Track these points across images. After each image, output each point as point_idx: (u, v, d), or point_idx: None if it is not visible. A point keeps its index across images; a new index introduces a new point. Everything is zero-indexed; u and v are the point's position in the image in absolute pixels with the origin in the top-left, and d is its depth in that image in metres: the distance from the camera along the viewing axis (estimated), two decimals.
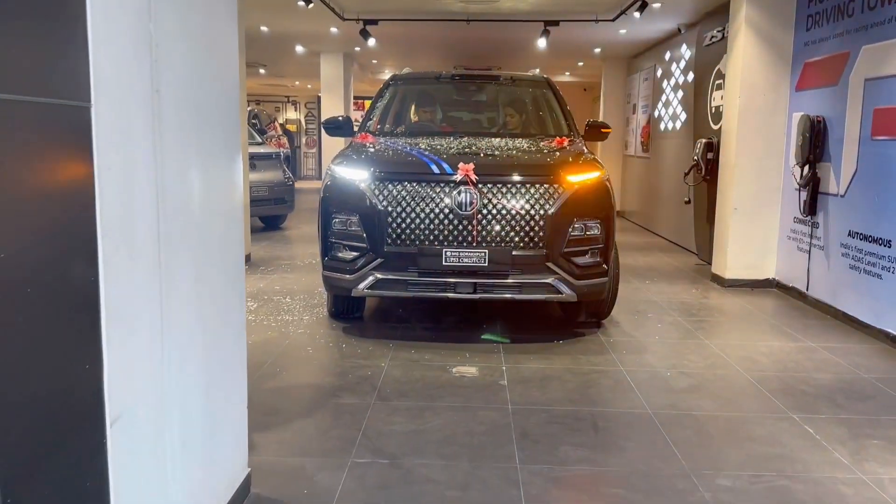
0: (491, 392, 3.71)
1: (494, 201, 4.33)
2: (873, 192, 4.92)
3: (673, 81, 9.63)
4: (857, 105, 5.15)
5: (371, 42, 9.18)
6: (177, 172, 1.96)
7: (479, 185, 4.33)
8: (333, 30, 9.47)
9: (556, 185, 4.41)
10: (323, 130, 5.58)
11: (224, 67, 2.27)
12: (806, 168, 5.71)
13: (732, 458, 3.00)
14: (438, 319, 5.19)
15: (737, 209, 6.40)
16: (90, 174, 1.54)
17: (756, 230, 6.40)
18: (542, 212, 4.35)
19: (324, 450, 3.00)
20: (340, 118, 5.46)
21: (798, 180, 5.85)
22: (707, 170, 7.37)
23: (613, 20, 8.51)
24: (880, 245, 4.80)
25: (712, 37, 7.75)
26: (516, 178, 4.40)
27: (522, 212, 4.34)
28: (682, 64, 9.15)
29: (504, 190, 4.35)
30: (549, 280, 4.37)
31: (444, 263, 4.30)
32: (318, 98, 18.11)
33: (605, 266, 4.58)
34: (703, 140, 7.51)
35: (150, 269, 1.82)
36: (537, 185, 4.39)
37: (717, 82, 7.50)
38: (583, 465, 2.88)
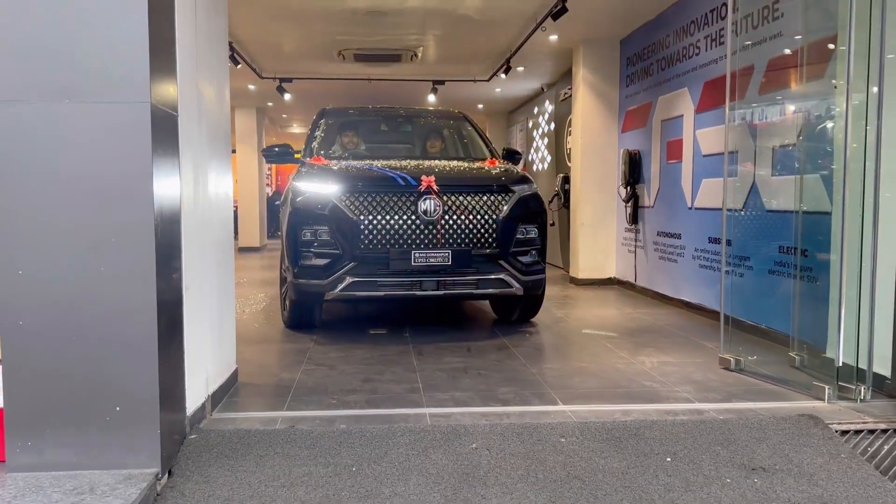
0: (397, 338, 5.14)
1: (454, 208, 4.87)
2: (668, 200, 6.78)
3: (540, 131, 11.58)
4: (658, 139, 7.05)
5: (287, 97, 10.64)
6: (207, 169, 3.34)
7: (441, 195, 4.86)
8: (251, 87, 10.86)
9: (503, 195, 5.04)
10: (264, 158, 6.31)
11: (223, 99, 3.68)
12: (628, 189, 7.57)
13: (555, 358, 4.55)
14: (357, 314, 6.58)
15: (584, 224, 8.19)
16: (177, 161, 2.91)
17: (599, 240, 8.20)
18: (494, 217, 4.94)
19: (282, 365, 4.33)
20: (278, 147, 5.95)
21: (623, 198, 7.71)
22: (565, 199, 9.20)
23: (488, 80, 10.38)
24: (674, 238, 6.63)
25: (565, 93, 9.71)
26: (471, 188, 4.98)
27: (479, 217, 4.91)
28: (546, 116, 11.12)
29: (462, 198, 4.90)
30: (502, 276, 4.96)
31: (412, 264, 4.78)
32: None
33: (542, 264, 5.28)
34: (562, 175, 9.36)
35: (198, 227, 3.16)
36: (489, 195, 4.99)
37: (570, 129, 9.42)
38: (458, 364, 4.35)
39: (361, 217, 4.79)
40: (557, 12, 6.38)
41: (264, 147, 6.01)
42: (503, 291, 5.05)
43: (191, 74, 3.09)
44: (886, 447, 3.09)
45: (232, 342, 3.83)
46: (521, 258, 5.10)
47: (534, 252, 5.21)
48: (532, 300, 5.58)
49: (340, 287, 4.78)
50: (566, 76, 9.68)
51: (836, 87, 3.71)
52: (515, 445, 2.96)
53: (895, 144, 3.45)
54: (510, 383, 3.90)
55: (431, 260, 4.81)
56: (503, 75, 9.34)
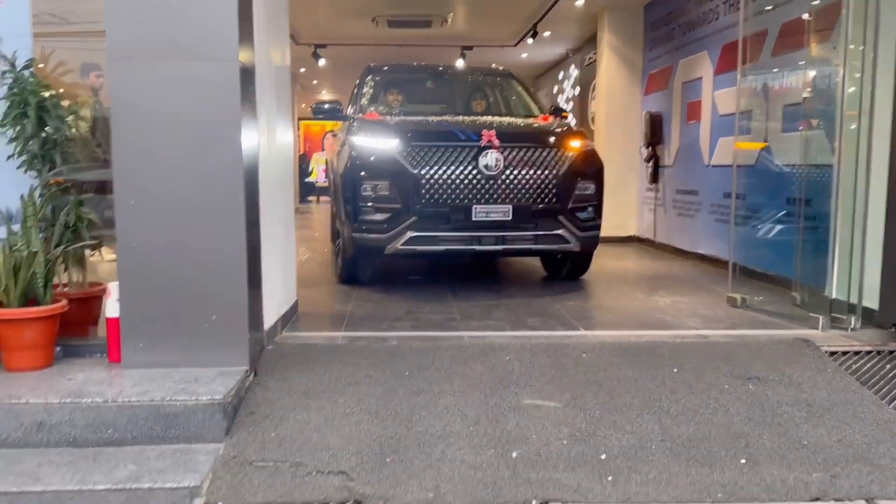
0: (434, 282, 5.65)
1: (515, 163, 4.84)
2: (687, 159, 7.16)
3: (565, 96, 11.91)
4: (678, 101, 7.41)
5: (322, 62, 11.07)
6: (275, 122, 3.82)
7: (501, 149, 4.83)
8: None
9: (562, 150, 5.00)
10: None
11: (285, 62, 4.15)
12: (650, 149, 7.95)
13: (578, 298, 5.03)
14: (393, 265, 7.10)
15: (606, 185, 8.57)
16: (255, 113, 3.39)
17: (621, 199, 8.59)
18: (554, 172, 4.90)
19: (333, 301, 4.87)
20: (328, 104, 5.85)
21: (644, 158, 8.10)
22: None
23: (515, 45, 10.73)
24: (692, 195, 7.02)
25: (590, 58, 10.03)
26: (532, 143, 4.94)
27: (539, 172, 4.87)
28: (571, 81, 11.44)
29: (522, 153, 4.87)
30: (561, 232, 4.95)
31: (473, 219, 4.77)
32: None
33: (598, 220, 5.27)
34: None
35: (269, 171, 3.65)
36: (549, 150, 4.95)
37: (594, 93, 9.76)
38: (490, 301, 4.85)
39: (423, 171, 4.77)
40: None
41: (315, 103, 5.89)
42: (561, 247, 5.05)
43: (264, 40, 3.56)
44: (868, 364, 3.54)
45: (293, 275, 4.36)
46: (578, 214, 5.06)
47: (590, 208, 5.17)
48: (585, 257, 5.56)
49: (401, 242, 4.78)
50: (591, 41, 9.98)
51: (834, 48, 4.09)
52: (543, 359, 3.46)
53: (887, 101, 3.83)
54: (537, 315, 4.39)
55: (492, 215, 4.80)
56: (530, 40, 9.68)
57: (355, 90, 6.44)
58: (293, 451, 2.67)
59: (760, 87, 5.42)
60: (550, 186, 4.91)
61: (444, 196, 4.78)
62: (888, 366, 3.52)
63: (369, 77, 6.35)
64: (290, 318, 4.17)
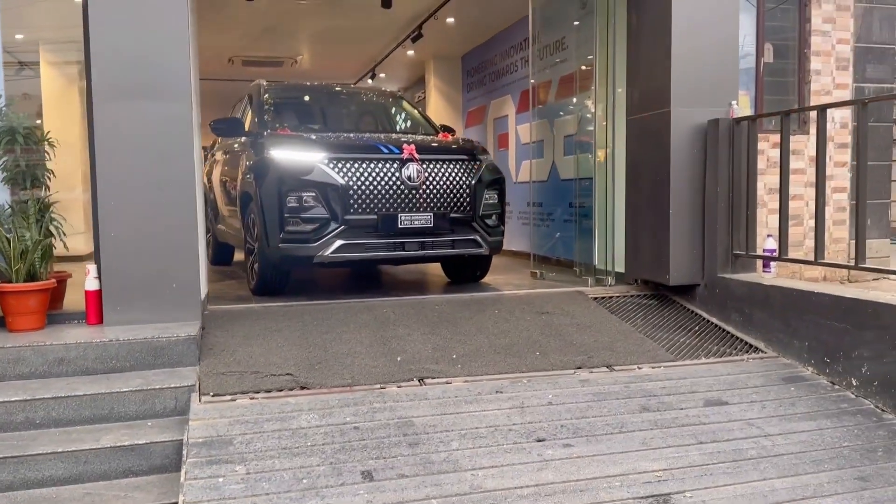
0: (321, 287, 6.96)
1: (434, 174, 5.32)
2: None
3: None
4: (491, 134, 9.33)
5: None
6: (197, 144, 5.03)
7: (422, 162, 5.32)
8: None
9: (473, 163, 5.58)
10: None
11: (198, 105, 5.37)
12: None
13: (427, 282, 6.59)
14: None
15: None
16: (191, 143, 4.61)
17: None
18: (468, 182, 5.46)
19: (235, 291, 6.04)
20: (228, 120, 5.94)
21: None
22: None
23: (355, 84, 12.28)
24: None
25: (419, 97, 11.82)
26: (447, 156, 5.46)
27: (456, 183, 5.40)
28: None
29: (440, 165, 5.37)
30: (476, 237, 5.52)
31: (399, 227, 5.19)
32: None
33: (503, 227, 5.88)
34: None
35: (196, 181, 4.86)
36: (462, 162, 5.50)
37: None
38: (365, 283, 6.27)
39: (350, 182, 5.09)
40: (415, 37, 8.43)
41: (214, 119, 5.88)
42: (473, 251, 5.59)
43: (194, 87, 4.81)
44: (617, 303, 5.41)
45: (206, 267, 5.53)
46: (487, 221, 5.64)
47: (495, 216, 5.74)
48: (487, 261, 6.14)
49: (330, 250, 5.08)
50: (420, 82, 11.78)
51: (589, 97, 6.06)
52: (409, 310, 4.97)
53: (622, 135, 5.80)
54: (401, 290, 5.90)
55: (416, 223, 5.23)
56: (369, 80, 11.29)
57: (248, 107, 6.52)
58: (249, 365, 3.96)
59: (548, 123, 7.38)
60: (465, 196, 5.47)
61: (371, 205, 5.16)
62: (628, 303, 5.42)
63: (266, 95, 6.41)
64: (208, 299, 5.33)
